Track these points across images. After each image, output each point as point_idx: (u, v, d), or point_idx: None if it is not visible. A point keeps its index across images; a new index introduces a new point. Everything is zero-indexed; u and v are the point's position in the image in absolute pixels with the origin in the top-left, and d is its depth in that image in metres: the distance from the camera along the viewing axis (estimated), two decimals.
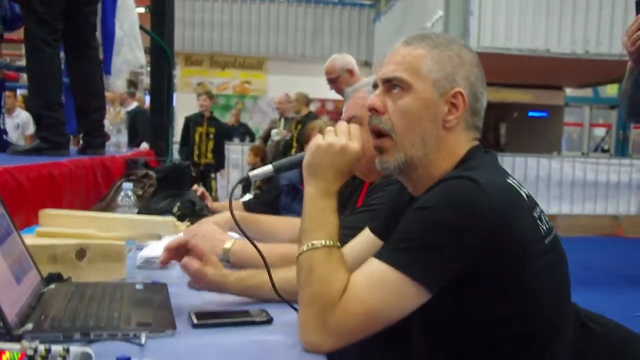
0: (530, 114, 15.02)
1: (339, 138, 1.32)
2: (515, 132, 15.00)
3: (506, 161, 8.85)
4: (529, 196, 1.26)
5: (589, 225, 10.14)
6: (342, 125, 1.36)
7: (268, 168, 1.44)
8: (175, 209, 2.54)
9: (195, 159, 8.38)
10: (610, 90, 15.17)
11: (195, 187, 3.07)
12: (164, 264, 1.50)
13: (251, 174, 1.45)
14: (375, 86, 1.35)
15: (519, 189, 1.25)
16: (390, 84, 1.30)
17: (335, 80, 4.44)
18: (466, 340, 1.23)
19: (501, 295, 1.18)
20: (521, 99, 14.43)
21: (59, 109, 3.28)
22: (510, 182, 1.25)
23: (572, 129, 16.84)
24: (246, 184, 7.00)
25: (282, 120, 8.54)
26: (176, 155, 7.75)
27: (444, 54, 1.29)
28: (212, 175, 8.77)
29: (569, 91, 14.87)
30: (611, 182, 9.41)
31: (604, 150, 16.34)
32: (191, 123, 8.57)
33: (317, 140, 1.33)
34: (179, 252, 1.49)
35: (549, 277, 1.22)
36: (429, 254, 1.15)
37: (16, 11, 3.62)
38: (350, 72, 4.39)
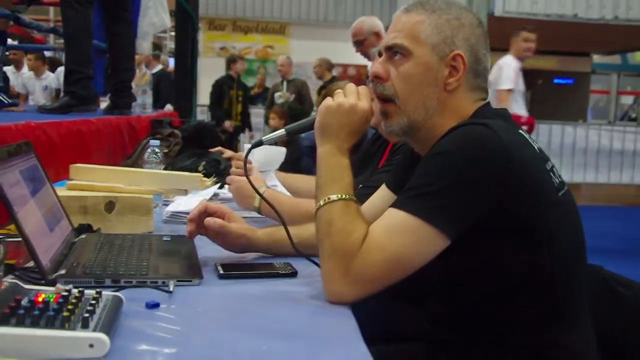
0: (556, 80, 14.81)
1: (348, 98, 1.35)
2: (539, 100, 14.77)
3: None
4: (540, 150, 1.28)
5: (614, 194, 10.05)
6: (351, 86, 1.39)
7: (281, 132, 1.46)
8: (200, 168, 2.57)
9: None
10: None
11: (219, 149, 3.09)
12: (192, 236, 1.50)
13: (264, 138, 1.47)
14: (380, 54, 1.37)
15: (530, 141, 1.26)
16: (392, 51, 1.33)
17: (362, 43, 4.37)
18: (482, 292, 1.24)
19: (518, 244, 1.19)
20: (546, 65, 14.19)
21: (88, 65, 3.39)
22: (522, 133, 1.27)
23: (599, 97, 16.58)
24: None
25: (285, 83, 8.55)
26: (203, 117, 7.83)
27: (442, 18, 1.30)
28: (238, 137, 8.83)
29: (596, 58, 14.59)
30: (638, 151, 9.25)
31: (631, 119, 16.08)
32: (225, 86, 8.59)
33: (327, 101, 1.36)
34: (201, 219, 1.50)
35: (565, 228, 1.23)
36: (445, 198, 1.16)
37: None
38: (378, 34, 4.32)
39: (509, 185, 1.16)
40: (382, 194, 1.58)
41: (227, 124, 8.37)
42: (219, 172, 2.62)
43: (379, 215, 1.25)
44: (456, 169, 1.17)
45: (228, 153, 3.02)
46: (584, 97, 14.83)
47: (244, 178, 1.92)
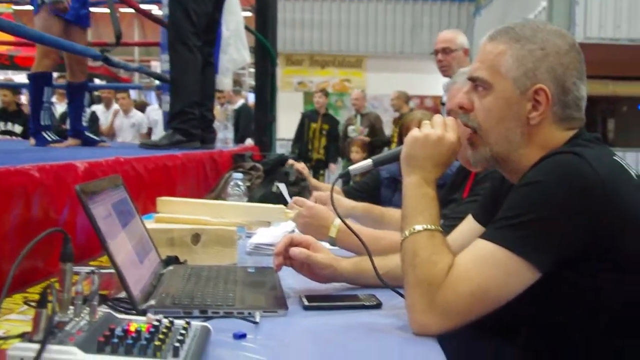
0: None
1: (435, 129, 1.33)
2: (624, 128, 14.26)
3: None
4: (638, 176, 1.22)
5: None
6: (438, 117, 1.37)
7: (368, 162, 1.46)
8: (274, 188, 2.60)
9: (308, 154, 8.59)
10: None
11: (290, 161, 3.14)
12: (279, 269, 1.51)
13: (351, 168, 1.48)
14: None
15: (627, 167, 1.22)
16: (475, 83, 1.31)
17: (449, 53, 4.21)
18: (583, 327, 1.19)
19: (617, 276, 1.14)
20: (631, 91, 13.68)
21: (196, 106, 3.66)
22: (617, 159, 1.22)
23: None
24: (346, 179, 7.08)
25: (358, 117, 8.59)
26: (282, 150, 7.96)
27: (525, 49, 1.26)
28: (322, 171, 8.89)
29: None
30: None
31: None
32: (306, 119, 8.76)
33: (414, 132, 1.35)
34: (287, 252, 1.50)
35: None
36: (536, 229, 1.13)
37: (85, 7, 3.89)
38: (466, 52, 4.21)
39: (602, 216, 1.11)
40: (469, 225, 1.54)
41: (301, 165, 8.47)
42: (289, 183, 2.66)
43: (465, 246, 1.22)
44: (547, 199, 1.13)
45: (298, 165, 3.06)
46: None
47: (318, 205, 1.92)
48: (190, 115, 3.59)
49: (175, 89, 3.74)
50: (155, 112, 8.21)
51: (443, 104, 4.42)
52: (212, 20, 3.81)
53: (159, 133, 7.62)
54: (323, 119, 8.79)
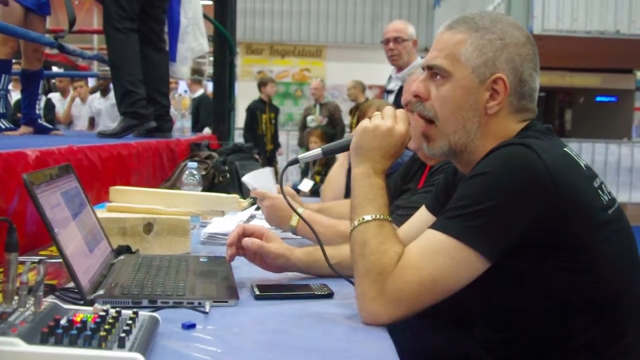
0: (598, 98, 14.54)
1: (385, 120, 1.34)
2: (581, 118, 14.55)
3: (572, 147, 8.57)
4: (587, 167, 1.24)
5: None
6: (389, 108, 1.37)
7: (317, 151, 1.46)
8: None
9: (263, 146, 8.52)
10: None
11: None
12: (231, 259, 1.51)
13: (300, 156, 1.48)
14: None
15: (576, 159, 1.23)
16: (433, 71, 1.30)
17: (401, 42, 4.24)
18: (532, 316, 1.20)
19: (565, 265, 1.15)
20: (588, 83, 13.96)
21: (141, 86, 3.53)
22: (567, 151, 1.23)
23: None
24: (305, 169, 7.08)
25: (317, 107, 8.58)
26: (241, 140, 7.90)
27: (484, 39, 1.26)
28: (274, 162, 8.84)
29: None
30: None
31: None
32: (258, 111, 8.63)
33: (364, 123, 1.35)
34: (240, 242, 1.50)
35: (615, 247, 1.19)
36: (485, 220, 1.14)
37: None
38: (415, 43, 4.27)
39: (550, 206, 1.13)
40: (422, 215, 1.56)
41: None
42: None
43: (417, 236, 1.23)
44: (496, 190, 1.14)
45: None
46: (628, 114, 14.51)
47: (279, 196, 1.93)
48: (135, 96, 3.48)
49: (114, 70, 3.64)
50: (98, 101, 8.03)
51: (387, 91, 4.46)
52: (150, 4, 3.70)
53: (102, 123, 7.51)
54: (269, 108, 8.71)
